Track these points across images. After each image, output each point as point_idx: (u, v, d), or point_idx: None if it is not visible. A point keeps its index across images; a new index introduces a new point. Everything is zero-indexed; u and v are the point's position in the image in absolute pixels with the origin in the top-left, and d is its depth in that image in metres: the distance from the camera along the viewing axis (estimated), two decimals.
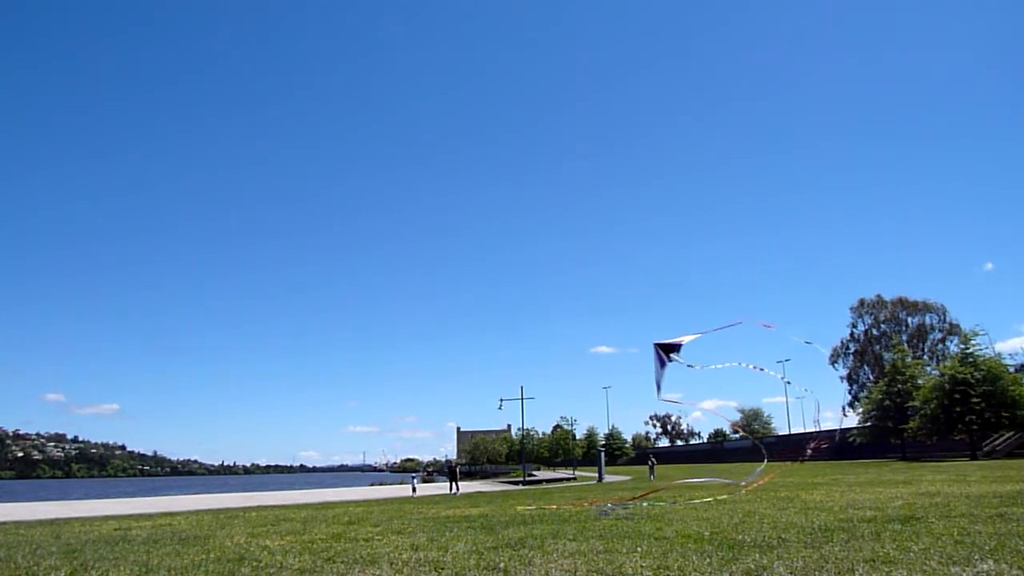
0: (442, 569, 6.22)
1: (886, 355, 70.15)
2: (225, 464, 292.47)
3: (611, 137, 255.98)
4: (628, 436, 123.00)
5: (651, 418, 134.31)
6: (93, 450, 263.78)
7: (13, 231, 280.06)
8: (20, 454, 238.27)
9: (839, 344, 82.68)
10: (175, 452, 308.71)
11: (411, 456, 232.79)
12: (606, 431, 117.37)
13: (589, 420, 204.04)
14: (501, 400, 50.63)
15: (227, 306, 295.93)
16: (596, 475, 45.29)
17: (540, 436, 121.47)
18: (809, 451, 44.68)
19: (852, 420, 74.75)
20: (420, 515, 13.42)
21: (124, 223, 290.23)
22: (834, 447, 69.19)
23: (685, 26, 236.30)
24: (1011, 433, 48.34)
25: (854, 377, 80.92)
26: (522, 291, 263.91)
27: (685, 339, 17.58)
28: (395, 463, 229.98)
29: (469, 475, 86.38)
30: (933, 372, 55.76)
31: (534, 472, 68.91)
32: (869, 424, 58.44)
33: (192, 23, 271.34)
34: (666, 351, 17.64)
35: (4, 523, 13.82)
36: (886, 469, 32.44)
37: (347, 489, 40.13)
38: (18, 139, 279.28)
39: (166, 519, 14.29)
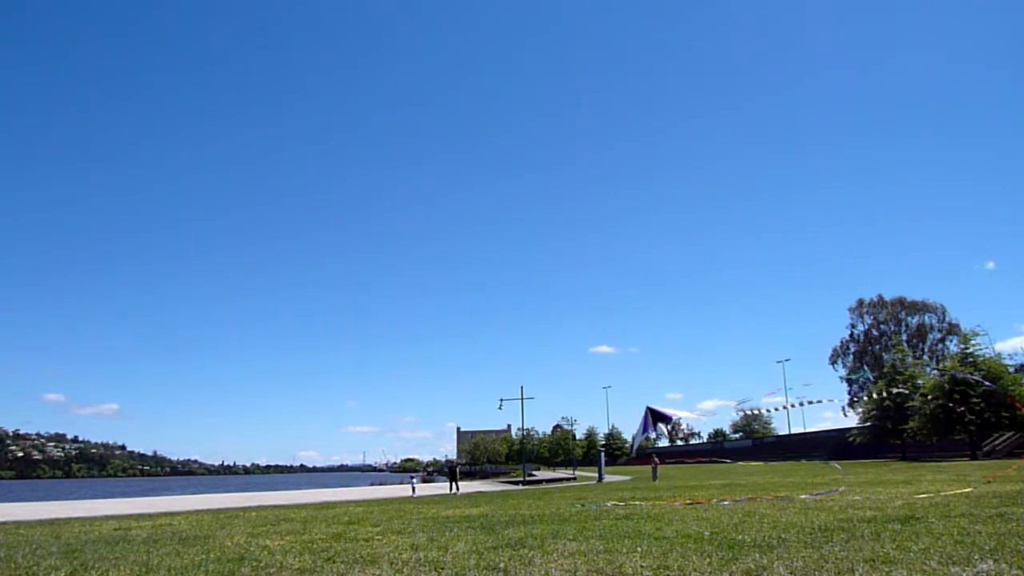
0: (442, 569, 6.22)
1: (886, 355, 70.24)
2: (225, 464, 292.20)
3: (611, 137, 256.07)
4: (628, 436, 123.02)
5: None
6: (93, 450, 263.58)
7: (13, 231, 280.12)
8: (20, 454, 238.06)
9: (839, 344, 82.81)
10: (175, 452, 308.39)
11: (411, 456, 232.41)
12: (606, 431, 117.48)
13: (589, 420, 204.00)
14: (501, 400, 50.49)
15: (227, 306, 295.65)
16: (596, 475, 45.31)
17: (540, 436, 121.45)
18: None
19: (852, 420, 74.81)
20: (420, 515, 13.42)
21: (124, 223, 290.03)
22: (833, 446, 69.22)
23: (685, 26, 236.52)
24: (1011, 433, 48.36)
25: (854, 377, 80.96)
26: (522, 291, 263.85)
27: (679, 413, 18.15)
28: (395, 463, 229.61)
29: (469, 475, 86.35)
30: (933, 372, 55.80)
31: (534, 472, 68.84)
32: (869, 424, 58.49)
33: (192, 23, 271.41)
34: (655, 418, 18.23)
35: (4, 523, 13.82)
36: (886, 469, 32.45)
37: (347, 489, 40.13)
38: (18, 139, 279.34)
39: (166, 519, 14.29)
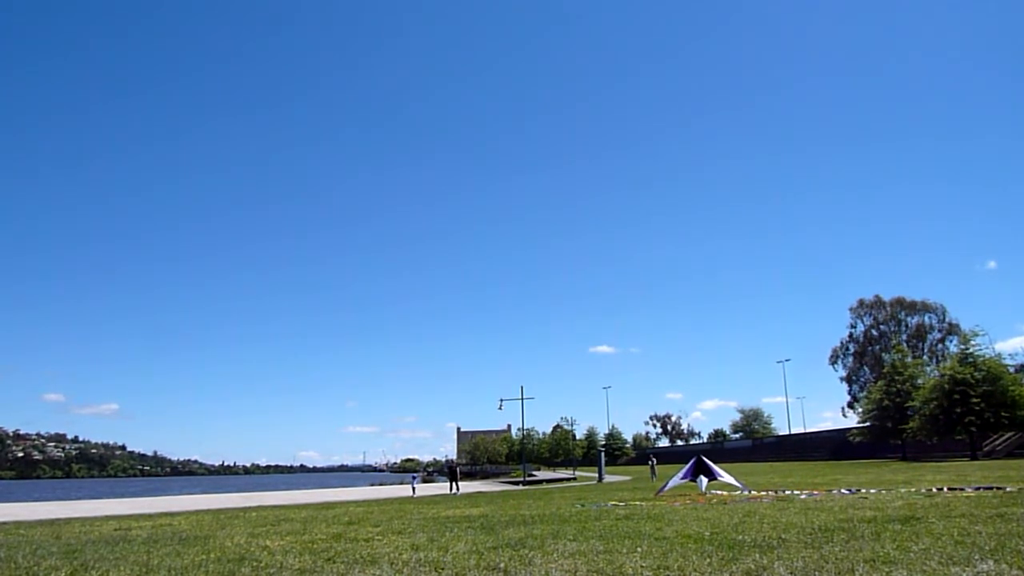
0: (442, 569, 6.23)
1: (885, 356, 70.22)
2: (225, 464, 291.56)
3: (611, 137, 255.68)
4: (628, 436, 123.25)
5: (651, 418, 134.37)
6: (93, 450, 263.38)
7: (13, 231, 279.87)
8: (20, 454, 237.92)
9: (839, 344, 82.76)
10: (175, 452, 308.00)
11: (411, 456, 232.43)
12: (606, 431, 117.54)
13: (589, 420, 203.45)
14: (501, 400, 50.48)
15: (227, 306, 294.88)
16: (596, 475, 45.33)
17: (540, 436, 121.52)
18: None
19: (852, 420, 74.81)
20: (420, 515, 13.42)
21: (124, 223, 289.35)
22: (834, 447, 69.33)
23: (684, 27, 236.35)
24: (1011, 433, 48.37)
25: (854, 378, 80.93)
26: (522, 291, 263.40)
27: (728, 477, 18.72)
28: (395, 463, 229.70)
29: (469, 475, 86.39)
30: (933, 372, 55.79)
31: (534, 472, 68.93)
32: (869, 424, 58.50)
33: (192, 23, 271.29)
34: (701, 469, 18.59)
35: (4, 523, 13.82)
36: (886, 469, 32.48)
37: (347, 489, 40.14)
38: (18, 139, 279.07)
39: (166, 519, 14.30)
